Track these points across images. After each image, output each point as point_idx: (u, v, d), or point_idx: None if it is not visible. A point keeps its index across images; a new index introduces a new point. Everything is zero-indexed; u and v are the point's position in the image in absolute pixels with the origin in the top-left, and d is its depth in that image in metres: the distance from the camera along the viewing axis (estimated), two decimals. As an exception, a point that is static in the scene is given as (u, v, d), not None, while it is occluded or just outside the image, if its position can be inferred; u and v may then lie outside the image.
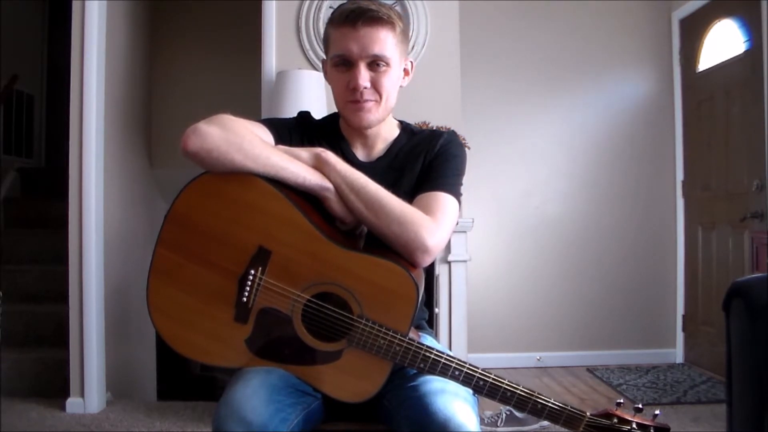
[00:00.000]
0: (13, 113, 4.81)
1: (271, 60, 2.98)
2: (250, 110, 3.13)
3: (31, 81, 5.07)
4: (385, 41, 1.24)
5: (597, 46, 3.95)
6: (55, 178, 3.97)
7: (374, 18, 1.23)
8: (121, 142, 3.30)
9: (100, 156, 2.92)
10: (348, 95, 1.26)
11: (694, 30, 3.81)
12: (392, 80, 1.28)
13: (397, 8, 3.00)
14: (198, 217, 1.15)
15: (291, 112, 2.72)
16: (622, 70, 3.98)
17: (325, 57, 1.34)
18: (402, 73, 1.32)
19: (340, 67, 1.26)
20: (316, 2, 2.97)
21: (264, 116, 2.95)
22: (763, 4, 3.12)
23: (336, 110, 1.35)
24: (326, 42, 1.31)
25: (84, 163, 2.85)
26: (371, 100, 1.26)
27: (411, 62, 1.35)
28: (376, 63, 1.24)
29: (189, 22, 4.20)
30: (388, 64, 1.25)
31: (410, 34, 2.96)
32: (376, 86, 1.25)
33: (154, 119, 3.92)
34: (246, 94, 3.48)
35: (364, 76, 1.23)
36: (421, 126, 2.71)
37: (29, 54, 5.06)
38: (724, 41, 3.57)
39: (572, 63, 3.93)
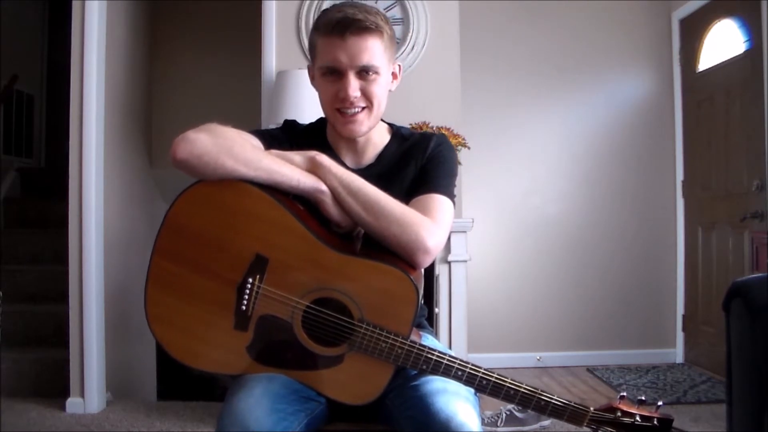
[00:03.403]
0: (13, 113, 4.81)
1: (271, 60, 2.97)
2: (250, 110, 3.15)
3: (31, 81, 5.07)
4: (373, 50, 1.23)
5: (597, 46, 3.95)
6: (55, 178, 3.97)
7: (362, 28, 1.21)
8: (121, 142, 3.30)
9: (100, 156, 2.92)
10: (337, 103, 1.25)
11: (694, 30, 3.80)
12: (382, 87, 1.27)
13: (397, 8, 3.02)
14: (193, 225, 1.14)
15: (291, 113, 2.71)
16: (622, 70, 3.98)
17: (311, 63, 1.32)
18: (390, 78, 1.31)
19: (329, 76, 1.25)
20: (316, 2, 2.97)
21: (264, 116, 2.95)
22: (763, 4, 3.12)
23: (323, 115, 1.34)
24: (312, 49, 1.30)
25: (84, 163, 2.86)
26: (362, 108, 1.25)
27: (399, 65, 1.35)
28: (365, 71, 1.24)
29: (189, 22, 4.20)
30: (377, 73, 1.25)
31: (410, 34, 2.96)
32: (366, 94, 1.25)
33: (154, 119, 3.92)
34: (246, 94, 3.48)
35: (353, 86, 1.23)
36: (421, 126, 2.73)
37: (29, 54, 5.06)
38: (724, 41, 3.57)
39: (572, 63, 3.93)
